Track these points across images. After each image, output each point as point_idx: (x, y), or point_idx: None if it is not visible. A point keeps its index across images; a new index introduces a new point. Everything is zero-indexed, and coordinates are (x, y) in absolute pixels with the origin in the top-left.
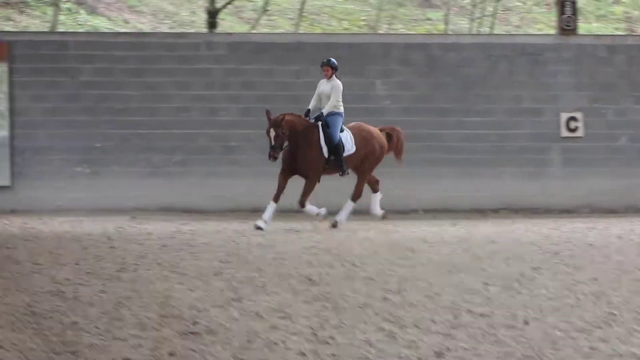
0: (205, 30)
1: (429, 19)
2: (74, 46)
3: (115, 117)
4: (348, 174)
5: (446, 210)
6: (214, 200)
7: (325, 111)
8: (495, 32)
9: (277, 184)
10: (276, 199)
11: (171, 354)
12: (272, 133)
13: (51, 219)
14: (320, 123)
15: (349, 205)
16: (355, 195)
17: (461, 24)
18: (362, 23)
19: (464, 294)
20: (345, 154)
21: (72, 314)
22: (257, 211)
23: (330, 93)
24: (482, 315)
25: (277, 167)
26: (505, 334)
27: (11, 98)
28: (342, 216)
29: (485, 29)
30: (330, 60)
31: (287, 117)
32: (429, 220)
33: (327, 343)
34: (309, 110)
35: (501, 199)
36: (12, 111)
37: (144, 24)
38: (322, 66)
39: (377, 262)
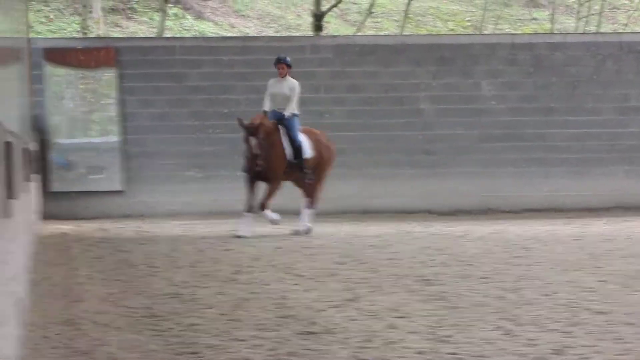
0: (310, 33)
1: (534, 19)
2: (181, 51)
3: (222, 121)
4: (312, 179)
5: (556, 209)
6: (325, 201)
7: (287, 113)
8: (602, 30)
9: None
10: (250, 208)
11: (290, 354)
12: (253, 141)
13: (165, 223)
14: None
15: (307, 213)
16: (313, 201)
17: (567, 23)
18: (468, 24)
19: (581, 291)
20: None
21: (191, 316)
22: (368, 212)
23: (287, 93)
24: (600, 312)
25: (385, 168)
26: (624, 331)
27: (121, 103)
28: (305, 223)
29: (592, 28)
30: (285, 57)
31: (263, 122)
32: (541, 220)
33: (446, 341)
34: (265, 112)
35: (612, 198)
36: (123, 117)
37: (250, 28)
38: (276, 64)
39: (492, 261)
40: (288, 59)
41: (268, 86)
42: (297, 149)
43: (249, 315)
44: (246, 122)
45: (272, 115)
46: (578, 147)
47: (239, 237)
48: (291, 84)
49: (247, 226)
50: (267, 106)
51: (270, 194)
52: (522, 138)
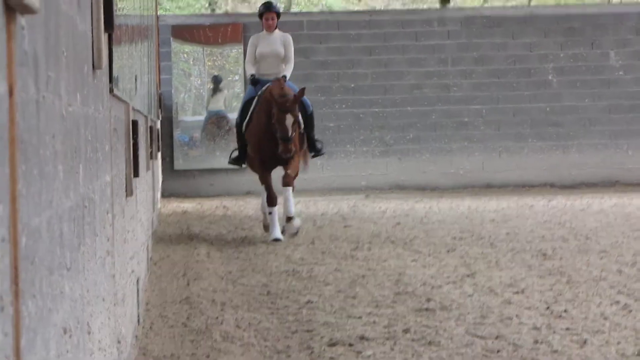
0: (437, 5)
1: None
2: (308, 26)
3: (348, 96)
4: (323, 153)
5: None
6: (447, 176)
7: (287, 74)
8: None
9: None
10: (273, 201)
11: (405, 331)
12: (289, 120)
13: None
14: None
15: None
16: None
17: None
18: None
19: None
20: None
21: (307, 293)
22: (491, 187)
23: (280, 52)
24: None
25: (510, 141)
26: None
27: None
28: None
29: None
30: (272, 4)
31: (298, 95)
32: None
33: (561, 317)
34: (254, 76)
35: None
36: None
37: (377, 2)
38: (261, 14)
39: (611, 235)
40: (278, 6)
41: (251, 44)
42: (310, 117)
43: (366, 292)
44: (275, 92)
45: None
46: None
47: (276, 240)
48: (284, 39)
49: (276, 225)
50: (253, 70)
51: (296, 170)
52: None
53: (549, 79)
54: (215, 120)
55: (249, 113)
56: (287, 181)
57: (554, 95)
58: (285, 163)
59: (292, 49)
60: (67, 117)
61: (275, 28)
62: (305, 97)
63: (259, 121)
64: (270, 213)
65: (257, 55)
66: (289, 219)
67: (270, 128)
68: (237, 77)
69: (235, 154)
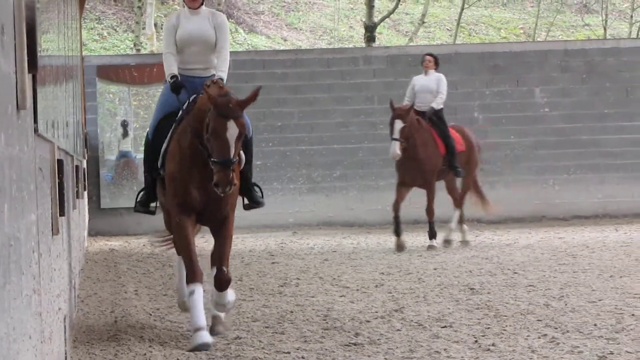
0: (363, 44)
1: (587, 25)
2: (234, 65)
3: (275, 134)
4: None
5: (610, 215)
6: (375, 213)
7: (223, 75)
8: None
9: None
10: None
11: None
12: (233, 131)
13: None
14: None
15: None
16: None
17: (620, 29)
18: (520, 31)
19: (627, 298)
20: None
21: (236, 329)
22: (418, 223)
23: (211, 34)
24: None
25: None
26: None
27: None
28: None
29: None
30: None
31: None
32: (591, 226)
33: (489, 350)
34: (176, 79)
35: None
36: None
37: (302, 41)
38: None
39: (538, 269)
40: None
41: (168, 27)
42: (248, 145)
43: (294, 327)
44: (213, 91)
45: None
46: (632, 153)
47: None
48: (216, 20)
49: (201, 314)
50: (174, 67)
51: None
52: (576, 144)
53: (474, 116)
54: (125, 162)
55: (168, 135)
56: (219, 282)
57: (480, 132)
58: (216, 214)
59: (228, 35)
60: None
61: (202, 4)
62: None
63: (182, 146)
64: (191, 294)
65: (177, 41)
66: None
67: (200, 154)
68: None
69: (143, 195)
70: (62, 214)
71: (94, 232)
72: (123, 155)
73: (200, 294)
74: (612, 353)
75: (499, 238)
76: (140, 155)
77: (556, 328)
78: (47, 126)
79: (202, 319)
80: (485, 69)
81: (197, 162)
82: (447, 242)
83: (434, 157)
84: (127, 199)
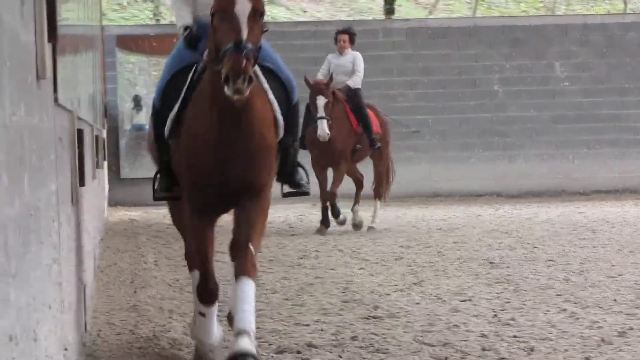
0: (382, 16)
1: None
2: None
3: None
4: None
5: (630, 190)
6: (394, 185)
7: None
8: None
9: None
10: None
11: (353, 338)
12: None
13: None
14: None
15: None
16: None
17: None
18: (540, 4)
19: None
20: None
21: (255, 301)
22: (438, 196)
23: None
24: None
25: (456, 150)
26: None
27: None
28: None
29: None
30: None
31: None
32: (612, 201)
33: (509, 324)
34: (191, 30)
35: None
36: None
37: (322, 12)
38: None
39: (558, 244)
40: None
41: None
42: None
43: (313, 300)
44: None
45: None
46: None
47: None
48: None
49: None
50: (188, 15)
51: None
52: (595, 119)
53: (494, 89)
54: (139, 135)
55: (181, 95)
56: (244, 264)
57: (500, 105)
58: (246, 182)
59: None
60: (11, 126)
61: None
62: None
63: (198, 109)
64: (203, 315)
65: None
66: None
67: (226, 125)
68: None
69: (162, 180)
70: (82, 183)
71: (113, 202)
72: (137, 128)
73: (213, 318)
74: (631, 328)
75: (519, 212)
76: None
77: (576, 303)
78: (68, 96)
79: (218, 332)
80: (505, 43)
81: (221, 137)
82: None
83: (347, 136)
84: (146, 169)
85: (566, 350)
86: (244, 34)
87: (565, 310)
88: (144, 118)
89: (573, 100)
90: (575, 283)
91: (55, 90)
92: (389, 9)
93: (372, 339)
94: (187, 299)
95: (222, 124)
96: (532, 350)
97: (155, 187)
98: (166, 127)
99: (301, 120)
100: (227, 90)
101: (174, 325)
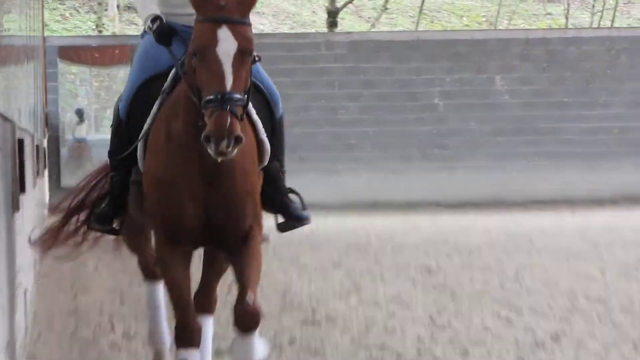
0: (325, 30)
1: (549, 14)
2: None
3: None
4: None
5: (566, 201)
6: (334, 195)
7: None
8: (617, 25)
9: None
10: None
11: (291, 341)
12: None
13: None
14: None
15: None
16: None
17: (582, 18)
18: (482, 19)
19: (580, 280)
20: None
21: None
22: (376, 205)
23: None
24: (598, 300)
25: (397, 162)
26: (621, 318)
27: None
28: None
29: (607, 22)
30: None
31: None
32: (548, 211)
33: (444, 328)
34: (161, 21)
35: (620, 189)
36: None
37: (265, 25)
38: None
39: (493, 252)
40: None
41: None
42: (277, 126)
43: None
44: None
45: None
46: (590, 141)
47: None
48: None
49: None
50: (153, 5)
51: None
52: (534, 132)
53: (435, 102)
54: (81, 146)
55: (152, 111)
56: (246, 314)
57: (440, 118)
58: (230, 229)
59: None
60: None
61: None
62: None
63: (172, 128)
64: None
65: None
66: None
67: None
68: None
69: (105, 207)
70: (22, 191)
71: (54, 209)
72: (79, 141)
73: None
74: (565, 333)
75: (457, 221)
76: (99, 137)
77: (510, 308)
78: (8, 106)
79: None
80: (447, 56)
81: (195, 154)
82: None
83: None
84: None
85: (500, 353)
86: (229, 82)
87: (499, 315)
88: (85, 131)
89: (513, 114)
90: (510, 289)
91: None
92: (332, 22)
93: (310, 342)
94: (126, 302)
95: (201, 153)
96: (466, 353)
97: (95, 211)
98: (138, 151)
99: None
100: (209, 150)
101: (115, 328)
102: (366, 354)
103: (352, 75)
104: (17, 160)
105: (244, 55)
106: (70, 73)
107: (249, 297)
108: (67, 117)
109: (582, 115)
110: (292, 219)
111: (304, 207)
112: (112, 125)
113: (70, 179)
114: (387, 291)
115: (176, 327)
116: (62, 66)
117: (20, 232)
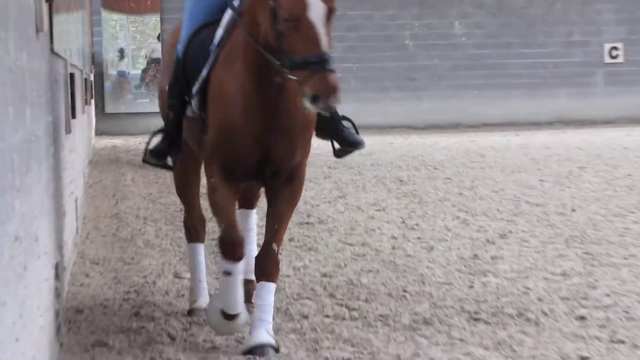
0: None
1: None
2: None
3: None
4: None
5: (511, 124)
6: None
7: None
8: None
9: None
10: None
11: (290, 240)
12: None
13: None
14: None
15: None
16: None
17: None
18: None
19: (524, 189)
20: None
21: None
22: (359, 128)
23: None
24: (537, 205)
25: (373, 92)
26: (556, 219)
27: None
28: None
29: None
30: None
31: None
32: (497, 132)
33: (414, 229)
34: None
35: (555, 114)
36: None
37: None
38: None
39: (454, 166)
40: None
41: None
42: None
43: (257, 209)
44: None
45: None
46: (530, 74)
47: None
48: None
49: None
50: None
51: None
52: (486, 67)
53: (406, 43)
54: (121, 80)
55: (211, 54)
56: (266, 267)
57: (410, 56)
58: (282, 164)
59: None
60: (15, 69)
61: None
62: None
63: (232, 72)
64: (228, 273)
65: None
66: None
67: (261, 76)
68: (153, 41)
69: (157, 141)
70: (73, 116)
71: (99, 132)
72: (120, 75)
73: (239, 277)
74: (510, 232)
75: (424, 141)
76: (135, 72)
77: (467, 212)
78: (62, 46)
79: (242, 306)
80: (417, 5)
81: (256, 96)
82: None
83: None
84: (126, 106)
85: (458, 248)
86: (324, 43)
87: (458, 217)
88: (125, 66)
89: (469, 52)
90: (466, 196)
91: (51, 41)
92: None
93: (306, 240)
94: (158, 209)
95: (261, 95)
96: (432, 248)
97: (149, 147)
98: (194, 88)
99: None
100: (310, 106)
101: (147, 229)
102: (351, 249)
103: (340, 21)
104: (69, 91)
105: (331, 14)
106: (112, 20)
107: (274, 248)
108: (109, 56)
109: (524, 53)
110: (348, 144)
111: (356, 131)
112: (172, 65)
113: (113, 107)
114: (368, 198)
115: (221, 241)
116: (105, 14)
117: (72, 150)
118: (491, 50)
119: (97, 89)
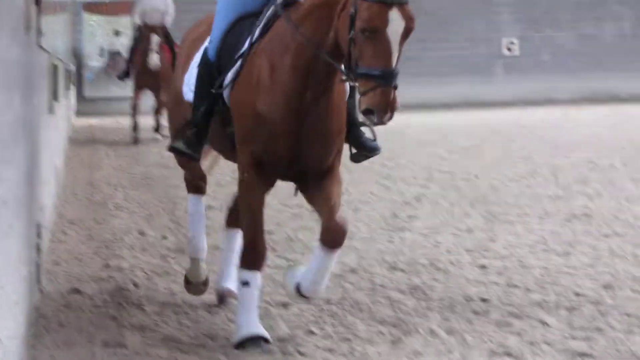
0: None
1: None
2: None
3: None
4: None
5: (425, 106)
6: None
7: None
8: None
9: None
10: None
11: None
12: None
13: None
14: None
15: None
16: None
17: None
18: None
19: (435, 159)
20: None
21: (172, 179)
22: None
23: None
24: (447, 172)
25: None
26: (462, 184)
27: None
28: None
29: None
30: None
31: None
32: (415, 114)
33: (343, 193)
34: None
35: (461, 97)
36: None
37: None
38: None
39: (379, 141)
40: None
41: None
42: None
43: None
44: None
45: None
46: (441, 64)
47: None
48: None
49: (255, 317)
50: None
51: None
52: (405, 60)
53: None
54: (116, 60)
55: (245, 46)
56: (336, 230)
57: None
58: (316, 164)
59: None
60: (6, 61)
61: None
62: None
63: (275, 65)
64: (246, 284)
65: None
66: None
67: (311, 81)
68: (127, 37)
69: (192, 135)
70: (56, 99)
71: (78, 113)
72: (116, 53)
73: (257, 288)
74: (424, 195)
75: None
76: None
77: (388, 179)
78: (47, 42)
79: (258, 327)
80: None
81: (297, 95)
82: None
83: (166, 65)
84: (103, 92)
85: (381, 209)
86: (395, 60)
87: (381, 183)
88: (102, 61)
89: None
90: (387, 165)
91: (38, 37)
92: None
93: None
94: (127, 177)
95: (304, 94)
96: (358, 209)
97: (184, 139)
98: (226, 80)
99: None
100: (362, 117)
101: (117, 194)
102: (289, 210)
103: None
104: (53, 79)
105: (408, 33)
106: (91, 20)
107: (339, 216)
108: (88, 51)
109: (436, 47)
110: (367, 150)
111: (374, 138)
112: (199, 66)
113: (90, 92)
114: None
115: (244, 247)
116: (85, 16)
117: (55, 128)
118: (409, 45)
119: (78, 78)
